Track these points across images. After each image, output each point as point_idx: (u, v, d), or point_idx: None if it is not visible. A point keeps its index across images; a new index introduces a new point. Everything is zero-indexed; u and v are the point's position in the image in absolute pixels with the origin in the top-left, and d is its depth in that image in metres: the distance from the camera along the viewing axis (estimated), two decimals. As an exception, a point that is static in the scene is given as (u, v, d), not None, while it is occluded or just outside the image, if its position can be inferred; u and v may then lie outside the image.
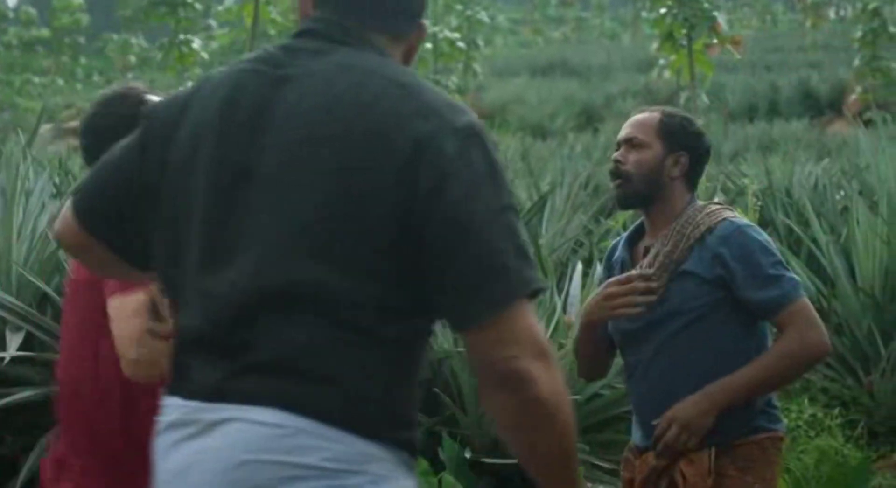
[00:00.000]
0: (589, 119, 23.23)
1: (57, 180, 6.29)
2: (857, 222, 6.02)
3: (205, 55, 16.01)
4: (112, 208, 2.11)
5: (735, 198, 7.40)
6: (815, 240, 6.36)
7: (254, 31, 9.68)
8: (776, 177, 7.76)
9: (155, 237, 2.05)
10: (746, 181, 6.82)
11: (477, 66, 21.86)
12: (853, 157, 8.91)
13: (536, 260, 4.95)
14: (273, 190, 1.92)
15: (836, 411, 5.43)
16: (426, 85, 1.97)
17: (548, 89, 25.24)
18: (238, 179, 1.94)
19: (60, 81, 32.67)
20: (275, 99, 1.96)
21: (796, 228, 6.50)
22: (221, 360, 1.91)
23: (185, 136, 2.01)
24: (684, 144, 3.38)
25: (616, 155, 3.42)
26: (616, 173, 3.41)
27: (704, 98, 20.63)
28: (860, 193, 6.97)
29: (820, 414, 5.34)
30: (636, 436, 3.47)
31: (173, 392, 1.99)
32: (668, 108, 3.49)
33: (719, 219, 3.32)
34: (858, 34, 21.27)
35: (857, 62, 21.32)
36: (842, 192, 7.01)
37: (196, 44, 15.96)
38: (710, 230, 3.30)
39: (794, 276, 3.32)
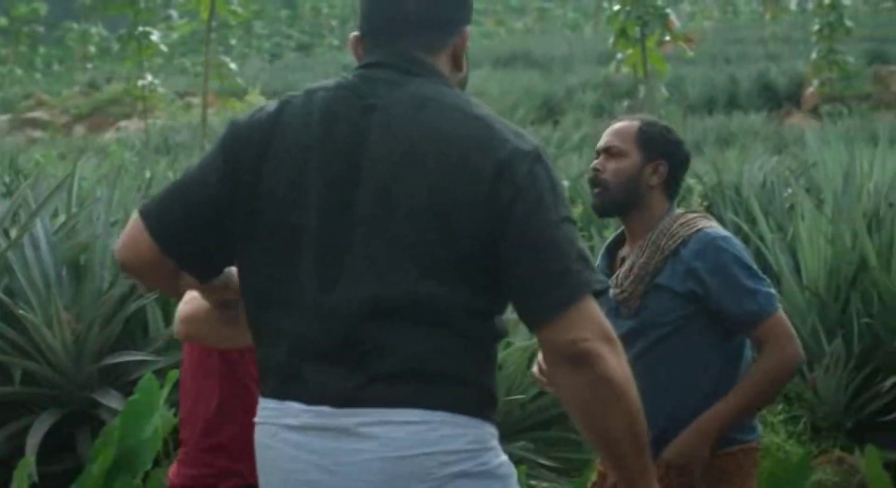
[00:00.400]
0: (550, 111, 23.29)
1: (7, 179, 6.28)
2: (802, 219, 6.09)
3: (163, 47, 15.92)
4: (191, 226, 2.27)
5: (685, 195, 7.47)
6: (762, 238, 6.44)
7: (210, 23, 9.67)
8: (725, 174, 7.84)
9: (248, 252, 2.25)
10: (693, 182, 6.89)
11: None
12: (803, 154, 8.99)
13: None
14: (376, 213, 2.16)
15: (780, 407, 5.51)
16: (493, 115, 2.24)
17: (509, 81, 25.27)
18: (344, 202, 2.18)
19: (19, 71, 32.42)
20: (367, 127, 2.20)
21: (744, 226, 6.57)
22: (350, 369, 2.16)
23: (281, 160, 2.22)
24: (663, 153, 3.38)
25: (595, 163, 3.44)
26: (594, 182, 3.43)
27: (664, 91, 20.79)
28: (807, 191, 7.06)
29: (763, 411, 5.41)
30: None
31: (286, 396, 2.21)
32: (648, 117, 3.51)
33: (694, 229, 3.32)
34: (816, 28, 21.43)
35: (814, 55, 21.49)
36: (789, 189, 7.09)
37: (155, 36, 15.88)
38: (684, 242, 3.30)
39: (770, 289, 3.33)
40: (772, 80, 24.09)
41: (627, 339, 3.30)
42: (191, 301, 2.56)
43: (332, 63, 32.19)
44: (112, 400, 4.66)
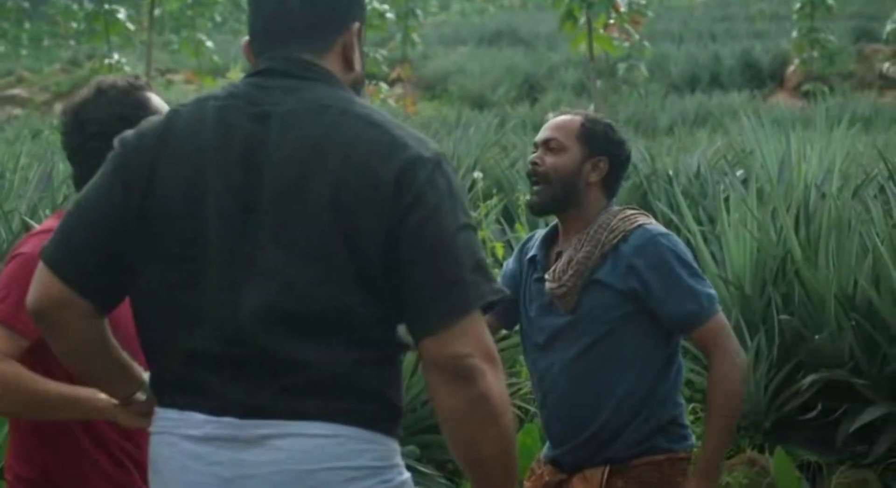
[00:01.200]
0: (531, 89, 23.08)
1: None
2: (727, 211, 5.94)
3: (130, 26, 15.75)
4: (94, 251, 2.20)
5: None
6: (690, 230, 6.30)
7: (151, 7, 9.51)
8: (660, 162, 7.67)
9: (146, 269, 2.19)
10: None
11: (416, 36, 21.67)
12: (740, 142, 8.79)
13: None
14: (275, 222, 2.13)
15: (691, 406, 5.37)
16: (392, 121, 2.22)
17: (491, 59, 25.04)
18: (243, 212, 2.14)
19: (2, 48, 32.19)
20: (264, 134, 2.17)
21: (673, 217, 6.42)
22: (257, 381, 2.13)
23: (174, 169, 2.18)
24: (605, 150, 3.30)
25: (533, 156, 3.34)
26: (533, 175, 3.33)
27: (643, 69, 20.60)
28: (744, 181, 6.89)
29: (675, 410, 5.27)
30: (545, 447, 3.40)
31: (186, 407, 2.18)
32: (591, 113, 3.42)
33: (634, 225, 3.24)
34: (797, 6, 21.21)
35: (795, 34, 21.27)
36: (727, 179, 6.93)
37: (121, 14, 15.70)
38: (624, 238, 3.22)
39: (711, 290, 3.25)
40: (755, 58, 23.84)
41: (563, 336, 3.27)
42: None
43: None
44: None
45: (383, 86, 18.05)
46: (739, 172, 7.30)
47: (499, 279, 3.47)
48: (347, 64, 2.29)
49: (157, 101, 2.80)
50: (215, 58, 21.55)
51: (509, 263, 3.52)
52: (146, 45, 15.19)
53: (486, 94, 22.38)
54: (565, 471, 3.29)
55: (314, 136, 2.16)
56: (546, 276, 3.27)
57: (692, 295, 3.18)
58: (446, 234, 2.13)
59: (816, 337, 5.52)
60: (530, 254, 3.39)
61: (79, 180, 2.77)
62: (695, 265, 3.25)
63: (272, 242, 2.14)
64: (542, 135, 3.36)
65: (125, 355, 2.35)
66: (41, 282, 2.23)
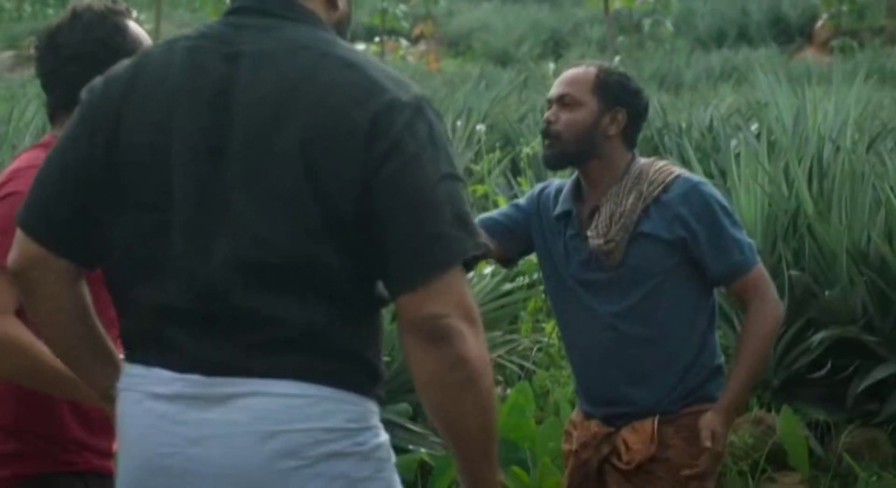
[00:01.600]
0: (556, 46, 22.86)
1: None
2: (737, 164, 5.78)
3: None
4: (68, 211, 2.09)
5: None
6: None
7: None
8: (672, 116, 7.49)
9: (117, 220, 2.08)
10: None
11: (440, -8, 21.47)
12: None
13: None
14: (245, 168, 2.00)
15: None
16: (372, 62, 2.08)
17: (516, 15, 24.81)
18: (212, 157, 2.02)
19: (28, 7, 32.16)
20: (235, 76, 2.03)
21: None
22: (225, 337, 2.01)
23: (141, 116, 2.05)
24: (622, 101, 3.20)
25: (547, 114, 3.23)
26: (546, 133, 3.22)
27: (669, 25, 20.35)
28: (758, 136, 6.72)
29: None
30: (581, 404, 3.32)
31: (152, 363, 2.06)
32: (605, 64, 3.30)
33: (672, 175, 3.16)
34: (826, -42, 20.88)
35: (823, -12, 20.96)
36: (740, 133, 6.76)
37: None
38: (665, 188, 3.13)
39: (750, 240, 3.20)
40: (784, 12, 23.49)
41: (607, 292, 3.18)
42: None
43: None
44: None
45: (403, 42, 17.88)
46: (754, 127, 7.13)
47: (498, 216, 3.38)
48: (332, 3, 2.15)
49: (136, 30, 2.69)
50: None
51: (518, 205, 3.39)
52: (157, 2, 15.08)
53: (510, 50, 22.19)
54: (613, 425, 3.23)
55: (289, 79, 2.02)
56: (589, 233, 3.17)
57: (736, 244, 3.13)
58: (426, 184, 1.98)
59: (827, 292, 5.38)
60: (558, 210, 3.27)
61: (52, 108, 2.69)
62: (735, 215, 3.18)
63: (242, 190, 2.01)
64: (555, 90, 3.24)
65: (110, 342, 2.24)
66: (17, 241, 2.14)
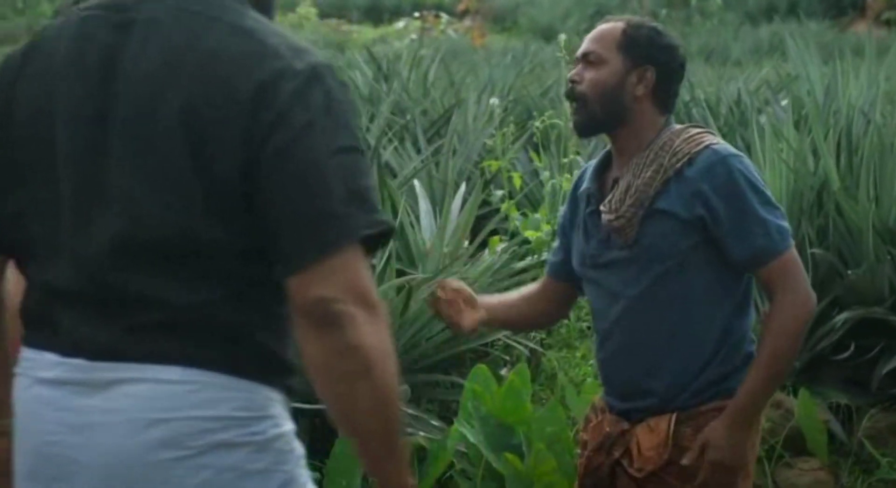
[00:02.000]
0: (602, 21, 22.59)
1: None
2: (761, 139, 5.58)
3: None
4: None
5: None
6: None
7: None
8: (699, 90, 7.28)
9: (16, 197, 2.00)
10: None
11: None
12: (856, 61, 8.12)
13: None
14: (128, 141, 1.90)
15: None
16: (271, 29, 1.94)
17: (562, -12, 24.56)
18: (96, 130, 1.92)
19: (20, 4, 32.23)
20: (122, 45, 1.94)
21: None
22: (107, 319, 1.91)
23: (32, 89, 1.98)
24: (650, 58, 2.91)
25: (572, 73, 2.96)
26: (570, 95, 2.96)
27: (717, -1, 20.03)
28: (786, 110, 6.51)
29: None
30: (603, 394, 3.07)
31: (41, 346, 1.98)
32: (635, 18, 3.00)
33: (700, 146, 2.84)
34: (878, -71, 20.45)
35: (875, -41, 20.54)
36: (768, 107, 6.55)
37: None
38: (690, 160, 2.83)
39: (783, 222, 2.85)
40: (836, -15, 23.08)
41: (622, 273, 2.92)
42: None
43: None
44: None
45: (444, 16, 17.70)
46: (784, 102, 6.91)
47: (557, 234, 3.17)
48: None
49: None
50: (281, -9, 21.31)
51: (561, 224, 3.17)
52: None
53: (555, 25, 21.95)
54: (629, 421, 2.97)
55: (174, 46, 1.91)
56: (602, 207, 2.92)
57: (762, 226, 2.79)
58: (316, 158, 1.85)
59: (850, 272, 5.19)
60: (582, 187, 3.06)
61: None
62: (768, 192, 2.85)
63: (125, 165, 1.90)
64: (581, 48, 2.97)
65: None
66: None
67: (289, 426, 1.98)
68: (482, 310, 3.07)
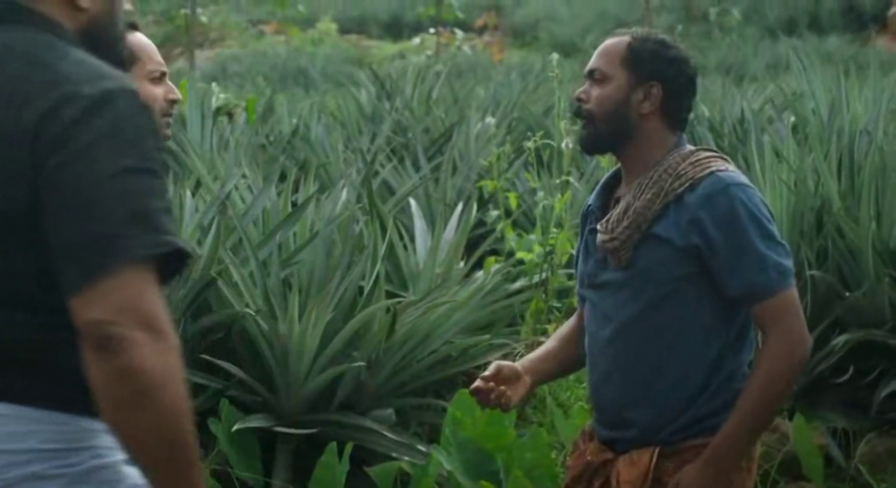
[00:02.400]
0: (622, 36, 22.52)
1: None
2: (762, 159, 5.51)
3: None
4: None
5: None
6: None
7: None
8: (700, 109, 7.20)
9: None
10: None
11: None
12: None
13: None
14: None
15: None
16: (73, 57, 1.96)
17: (582, 4, 24.51)
18: None
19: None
20: None
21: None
22: None
23: None
24: (656, 73, 2.82)
25: (579, 91, 2.88)
26: (578, 113, 2.89)
27: (736, 13, 19.93)
28: (794, 128, 6.43)
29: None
30: (593, 418, 2.99)
31: None
32: (642, 31, 2.91)
33: (705, 171, 2.73)
34: (899, -57, 20.31)
35: (896, -27, 20.40)
36: (772, 126, 6.47)
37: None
38: (691, 186, 2.73)
39: (785, 260, 2.73)
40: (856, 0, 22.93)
41: (615, 297, 2.83)
42: None
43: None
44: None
45: (459, 33, 17.68)
46: (792, 119, 6.82)
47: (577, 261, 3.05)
48: (70, 2, 2.04)
49: (135, 41, 2.88)
50: (301, 8, 21.38)
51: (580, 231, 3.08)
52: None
53: (575, 40, 21.87)
54: (614, 451, 2.88)
55: None
56: (598, 227, 2.84)
57: (760, 262, 2.67)
58: (93, 180, 1.84)
59: (847, 294, 5.11)
60: (588, 203, 2.98)
61: None
62: (771, 227, 2.72)
63: None
64: (588, 64, 2.90)
65: None
66: None
67: (115, 456, 1.94)
68: (527, 378, 2.95)
